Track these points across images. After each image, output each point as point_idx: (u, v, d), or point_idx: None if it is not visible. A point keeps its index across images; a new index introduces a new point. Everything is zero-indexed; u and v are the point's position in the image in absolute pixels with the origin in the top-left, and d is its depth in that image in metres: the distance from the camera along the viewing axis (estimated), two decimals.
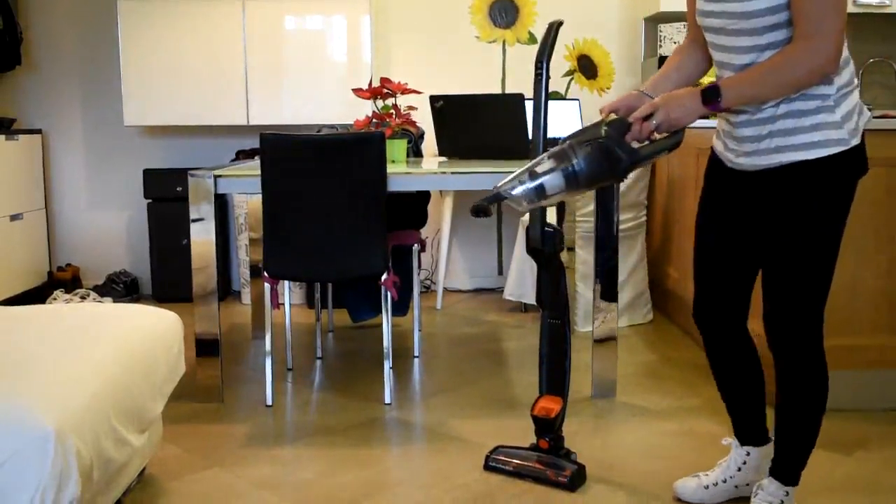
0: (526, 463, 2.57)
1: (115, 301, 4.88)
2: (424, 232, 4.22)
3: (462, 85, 5.02)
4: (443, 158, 3.90)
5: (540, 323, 2.65)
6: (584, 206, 4.15)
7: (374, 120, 3.57)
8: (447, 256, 5.00)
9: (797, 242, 1.97)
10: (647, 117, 1.97)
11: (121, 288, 5.06)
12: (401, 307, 4.14)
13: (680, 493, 2.37)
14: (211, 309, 3.21)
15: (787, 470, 2.14)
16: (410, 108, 3.63)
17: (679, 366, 3.67)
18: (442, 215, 4.97)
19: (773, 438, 2.21)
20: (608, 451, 2.75)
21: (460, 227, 5.23)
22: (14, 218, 4.73)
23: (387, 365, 3.24)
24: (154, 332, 2.36)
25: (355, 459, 2.71)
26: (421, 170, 3.27)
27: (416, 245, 3.74)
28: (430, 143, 4.31)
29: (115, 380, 2.03)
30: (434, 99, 3.80)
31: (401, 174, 3.18)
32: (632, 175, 4.04)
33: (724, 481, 2.32)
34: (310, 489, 2.50)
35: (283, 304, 3.63)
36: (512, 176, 1.99)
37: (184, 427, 2.98)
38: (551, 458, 2.56)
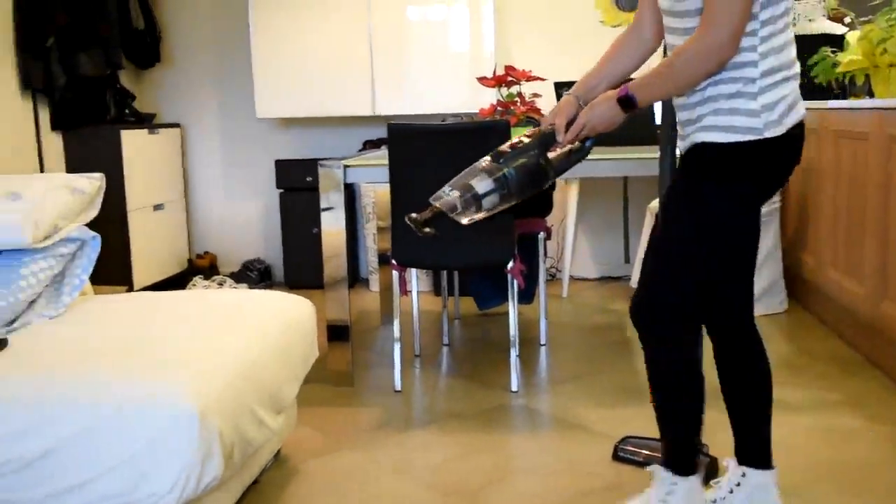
0: (656, 454, 2.52)
1: (249, 287, 5.07)
2: (550, 220, 4.19)
3: (586, 70, 4.94)
4: None
5: None
6: None
7: (498, 108, 3.57)
8: (573, 244, 4.96)
9: (683, 220, 1.93)
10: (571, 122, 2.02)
11: (255, 275, 5.24)
12: (527, 295, 4.13)
13: None
14: (341, 296, 3.29)
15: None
16: (535, 95, 3.60)
17: (817, 357, 3.52)
18: (567, 203, 4.92)
19: (775, 466, 2.12)
20: None
21: (586, 214, 5.17)
22: (156, 208, 4.97)
23: (513, 352, 3.24)
24: (289, 317, 2.44)
25: (483, 445, 2.73)
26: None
27: (541, 233, 3.72)
28: None
29: (254, 363, 2.11)
30: (559, 86, 3.76)
31: None
32: None
33: (722, 500, 2.13)
34: (438, 473, 2.53)
35: (411, 291, 3.68)
36: (448, 190, 1.99)
37: (316, 410, 3.06)
38: None
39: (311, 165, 4.99)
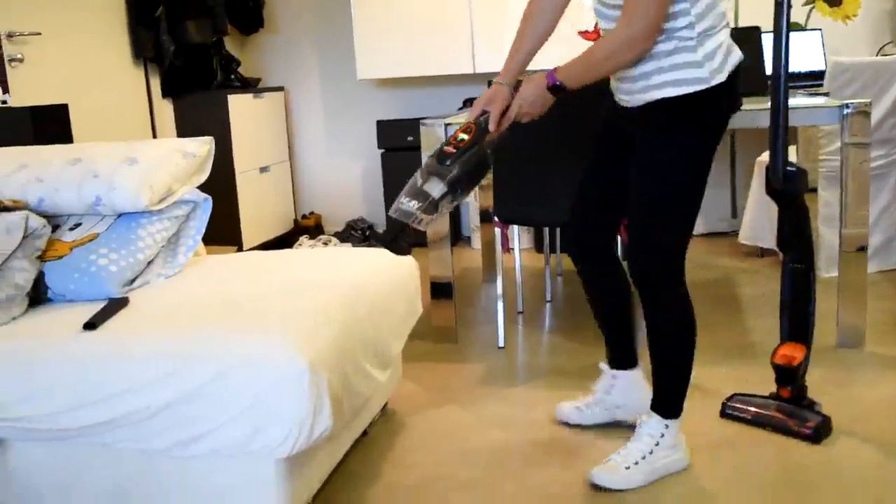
0: (765, 412, 2.48)
1: (353, 246, 5.16)
2: None
3: None
4: None
5: (781, 268, 2.52)
6: (829, 144, 3.87)
7: None
8: None
9: (655, 176, 2.06)
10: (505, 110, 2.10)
11: (359, 234, 5.33)
12: None
13: (558, 414, 2.54)
14: (444, 254, 3.32)
15: (664, 403, 2.22)
16: None
17: None
18: None
19: (639, 364, 2.42)
20: (855, 403, 2.60)
21: None
22: (263, 170, 5.09)
23: None
24: (393, 275, 2.48)
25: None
26: None
27: None
28: None
29: (361, 319, 2.15)
30: None
31: None
32: (884, 109, 3.73)
33: (598, 404, 2.49)
34: (542, 430, 2.54)
35: (513, 248, 3.68)
36: (406, 200, 2.03)
37: (422, 366, 3.12)
38: (793, 407, 2.45)
39: (412, 125, 5.01)
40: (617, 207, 2.30)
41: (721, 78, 1.99)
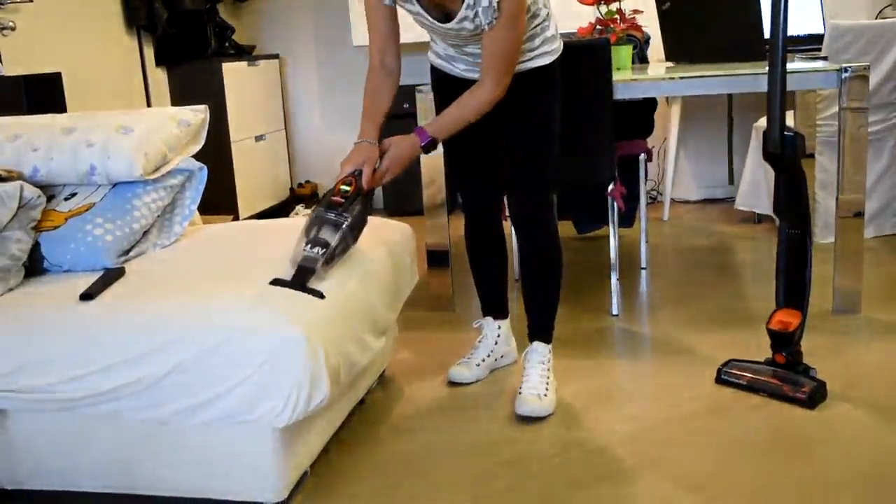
0: (761, 377, 2.49)
1: None
2: (651, 141, 4.10)
3: None
4: (670, 63, 3.74)
5: (777, 234, 2.52)
6: (826, 109, 3.86)
7: (597, 27, 3.48)
8: (674, 166, 4.85)
9: (529, 123, 2.41)
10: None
11: None
12: (627, 218, 4.08)
13: (458, 377, 2.66)
14: (440, 222, 3.32)
15: (546, 330, 2.56)
16: (636, 11, 3.49)
17: None
18: (669, 123, 4.80)
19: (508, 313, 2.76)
20: (850, 369, 2.61)
21: (688, 135, 5.03)
22: (258, 139, 5.07)
23: (613, 276, 3.22)
24: (389, 242, 2.47)
25: (585, 369, 2.74)
26: (647, 76, 3.17)
27: (642, 155, 3.65)
28: (656, 48, 4.14)
29: (356, 287, 2.15)
30: (660, 0, 3.63)
31: (626, 81, 3.09)
32: (882, 73, 3.71)
33: (489, 355, 2.72)
34: None
35: (508, 216, 3.66)
36: (308, 248, 2.10)
37: (419, 334, 3.13)
38: (788, 373, 2.46)
39: (408, 92, 4.96)
40: (495, 170, 2.60)
41: (561, 47, 2.47)
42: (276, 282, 1.99)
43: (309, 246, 2.10)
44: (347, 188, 2.21)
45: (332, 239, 2.11)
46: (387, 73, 2.41)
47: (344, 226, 2.14)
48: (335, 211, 2.16)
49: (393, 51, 2.41)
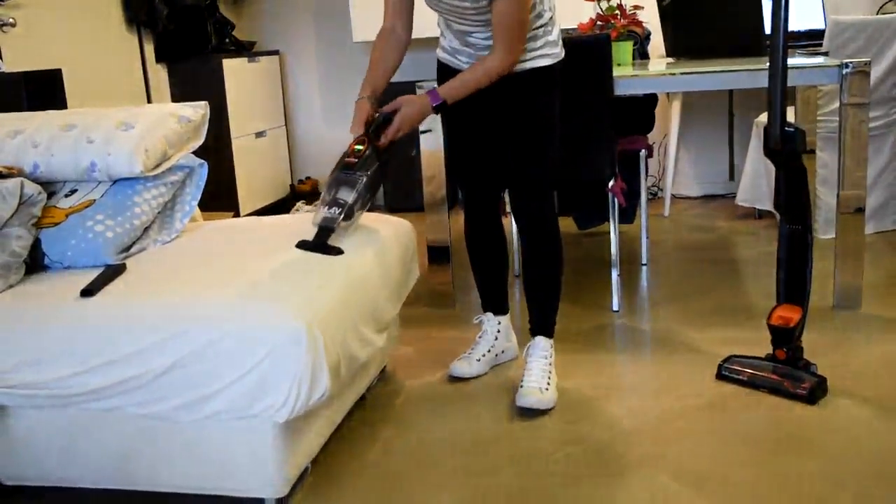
0: (761, 373, 2.49)
1: None
2: (651, 137, 4.09)
3: None
4: (670, 59, 3.74)
5: (778, 229, 2.52)
6: (827, 105, 3.85)
7: (598, 22, 3.47)
8: (675, 162, 4.84)
9: (530, 122, 2.45)
10: (389, 123, 2.36)
11: None
12: (627, 214, 4.07)
13: (459, 372, 2.67)
14: (441, 218, 3.32)
15: (548, 324, 2.58)
16: (636, 7, 3.49)
17: None
18: (669, 119, 4.80)
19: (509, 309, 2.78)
20: (851, 364, 2.61)
21: (689, 131, 5.03)
22: (259, 135, 5.07)
23: (614, 272, 3.22)
24: (389, 238, 2.47)
25: (586, 365, 2.74)
26: (648, 72, 3.16)
27: (642, 151, 3.64)
28: (656, 44, 4.13)
29: (357, 283, 2.15)
30: None
31: (627, 77, 3.09)
32: (883, 69, 3.71)
33: (490, 351, 2.73)
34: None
35: (510, 212, 3.67)
36: (326, 209, 2.23)
37: (419, 330, 3.13)
38: (789, 369, 2.46)
39: (408, 88, 4.96)
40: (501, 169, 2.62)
41: (563, 52, 2.50)
42: (300, 244, 2.15)
43: (327, 207, 2.23)
44: (360, 147, 2.31)
45: (349, 197, 2.23)
46: (396, 38, 2.51)
47: (359, 184, 2.24)
48: (350, 171, 2.27)
49: (403, 21, 2.51)
